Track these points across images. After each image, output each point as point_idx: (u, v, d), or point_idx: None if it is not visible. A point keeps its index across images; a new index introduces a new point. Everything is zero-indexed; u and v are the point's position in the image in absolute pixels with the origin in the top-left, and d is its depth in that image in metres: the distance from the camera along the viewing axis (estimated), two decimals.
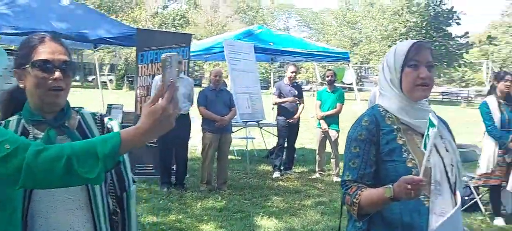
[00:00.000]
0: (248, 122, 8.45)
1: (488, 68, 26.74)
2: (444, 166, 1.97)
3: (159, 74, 7.17)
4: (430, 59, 2.00)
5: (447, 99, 42.49)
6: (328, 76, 8.31)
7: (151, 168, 7.71)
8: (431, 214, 1.90)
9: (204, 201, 6.48)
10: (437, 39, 8.81)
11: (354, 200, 1.92)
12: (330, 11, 70.59)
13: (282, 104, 8.31)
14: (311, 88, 42.88)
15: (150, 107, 1.38)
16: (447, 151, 2.01)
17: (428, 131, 1.80)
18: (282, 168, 8.44)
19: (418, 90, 1.97)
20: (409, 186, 1.72)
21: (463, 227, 2.00)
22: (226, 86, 8.92)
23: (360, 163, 1.98)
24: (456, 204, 1.94)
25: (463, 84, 54.30)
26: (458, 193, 1.98)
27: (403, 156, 1.94)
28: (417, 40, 2.03)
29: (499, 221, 5.73)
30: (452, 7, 9.05)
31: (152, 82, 7.23)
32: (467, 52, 9.19)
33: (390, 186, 1.80)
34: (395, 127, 1.99)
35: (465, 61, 9.19)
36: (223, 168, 7.30)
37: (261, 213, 5.91)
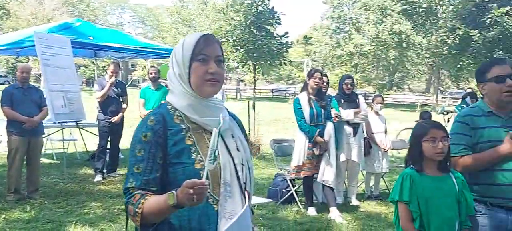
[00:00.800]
0: (64, 122, 7.76)
1: (308, 66, 29.12)
2: (235, 166, 1.87)
3: None
4: (219, 53, 1.89)
5: (277, 96, 45.18)
6: (151, 73, 8.04)
7: None
8: (220, 217, 1.79)
9: (9, 213, 5.73)
10: (260, 37, 9.17)
11: (137, 210, 1.72)
12: (165, 8, 69.97)
13: (104, 103, 7.79)
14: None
15: None
16: (238, 149, 1.92)
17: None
18: (104, 170, 7.94)
19: (207, 86, 1.84)
20: (191, 191, 1.58)
21: (252, 226, 1.94)
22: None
23: (144, 168, 1.79)
24: (245, 203, 1.86)
25: (290, 82, 58.34)
26: (247, 192, 1.91)
27: (192, 157, 1.80)
28: (205, 33, 1.90)
29: (311, 211, 6.09)
30: (273, 8, 9.49)
31: None
32: (287, 51, 9.74)
33: (174, 192, 1.65)
34: (184, 126, 1.84)
35: (285, 60, 9.75)
36: (34, 174, 6.56)
37: (74, 222, 5.42)
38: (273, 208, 6.33)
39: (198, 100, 1.85)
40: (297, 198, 6.47)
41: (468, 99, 9.44)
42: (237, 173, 1.86)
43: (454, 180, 2.74)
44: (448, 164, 2.76)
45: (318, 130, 5.88)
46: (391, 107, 34.50)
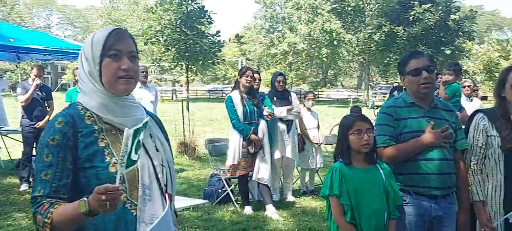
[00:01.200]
0: None
1: (242, 65, 29.25)
2: (154, 167, 1.78)
3: None
4: (132, 48, 1.79)
5: (214, 97, 44.98)
6: (76, 75, 7.70)
7: None
8: (139, 223, 1.70)
9: None
10: (191, 37, 9.02)
11: (46, 220, 1.59)
12: (95, 9, 67.88)
13: (28, 108, 7.37)
14: None
15: None
16: (157, 150, 1.82)
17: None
18: (31, 179, 7.51)
19: (121, 84, 1.74)
20: (103, 197, 1.48)
21: (175, 230, 1.86)
22: None
23: (53, 174, 1.66)
24: (166, 206, 1.76)
25: (226, 81, 58.25)
26: (168, 194, 1.82)
27: (106, 160, 1.69)
28: (116, 28, 1.80)
29: (247, 210, 6.05)
30: (203, 6, 9.39)
31: None
32: (219, 51, 9.69)
33: (85, 198, 1.53)
34: (96, 128, 1.73)
35: (218, 59, 9.69)
36: None
37: None
38: (209, 209, 6.24)
39: (111, 99, 1.74)
40: (233, 198, 6.41)
41: (395, 93, 9.75)
42: (156, 175, 1.77)
43: (381, 171, 2.78)
44: (375, 155, 2.80)
45: (253, 127, 5.86)
46: (325, 104, 35.32)
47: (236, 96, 5.91)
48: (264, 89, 7.56)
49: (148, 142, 1.80)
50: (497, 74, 3.19)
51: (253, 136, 5.83)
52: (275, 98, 6.62)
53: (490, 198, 2.92)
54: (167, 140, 1.93)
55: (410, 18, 28.95)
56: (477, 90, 9.62)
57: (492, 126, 2.93)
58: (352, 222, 2.71)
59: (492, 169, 2.92)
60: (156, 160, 1.79)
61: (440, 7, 29.26)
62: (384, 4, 32.45)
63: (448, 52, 28.15)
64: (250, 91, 6.01)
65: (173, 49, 9.83)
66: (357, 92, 46.46)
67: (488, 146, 2.94)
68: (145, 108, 1.91)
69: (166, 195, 1.80)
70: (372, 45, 32.41)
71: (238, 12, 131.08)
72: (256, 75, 6.35)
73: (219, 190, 6.59)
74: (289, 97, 6.74)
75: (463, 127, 3.09)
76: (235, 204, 6.33)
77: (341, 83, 62.50)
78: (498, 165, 2.90)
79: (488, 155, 2.94)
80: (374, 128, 2.84)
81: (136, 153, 1.55)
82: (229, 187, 6.44)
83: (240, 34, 12.98)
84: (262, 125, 5.98)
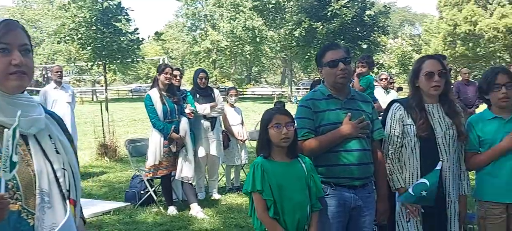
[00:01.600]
0: None
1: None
2: (54, 171, 1.61)
3: None
4: (25, 41, 1.60)
5: (137, 97, 43.80)
6: None
7: None
8: None
9: None
10: (108, 35, 8.65)
11: None
12: (6, 9, 63.89)
13: None
14: None
15: None
16: (57, 152, 1.65)
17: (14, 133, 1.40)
18: None
19: (12, 80, 1.55)
20: None
21: None
22: None
23: None
24: (67, 213, 1.60)
25: (149, 80, 57.02)
26: (72, 200, 1.65)
27: None
28: (5, 19, 1.61)
29: (171, 210, 5.89)
30: (120, 3, 9.02)
31: None
32: (138, 48, 9.40)
33: None
34: None
35: (138, 58, 9.37)
36: None
37: None
38: (131, 212, 6.01)
39: (1, 97, 1.55)
40: (156, 199, 6.22)
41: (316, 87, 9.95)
42: (57, 180, 1.60)
43: (303, 165, 2.76)
44: (295, 149, 2.77)
45: (173, 126, 5.69)
46: (249, 100, 35.59)
47: (155, 94, 5.71)
48: (188, 87, 7.40)
49: (47, 143, 1.63)
50: (410, 67, 3.35)
51: (174, 134, 5.67)
52: (198, 95, 6.50)
53: (408, 185, 2.99)
54: (71, 141, 1.76)
55: (328, 14, 29.70)
56: (393, 82, 10.06)
57: (407, 114, 3.00)
58: (276, 217, 2.67)
59: (409, 157, 2.99)
60: (56, 164, 1.61)
61: (356, 3, 30.30)
62: (303, 1, 33.07)
63: (365, 46, 29.16)
64: (169, 88, 5.84)
65: (89, 47, 9.39)
66: (281, 88, 47.17)
67: (404, 135, 3.00)
68: (45, 108, 1.73)
69: (68, 201, 1.63)
70: (293, 41, 32.91)
71: (160, 10, 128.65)
72: (176, 72, 6.18)
73: (142, 192, 6.37)
74: (212, 94, 6.64)
75: (380, 118, 3.15)
76: (158, 205, 6.15)
77: (265, 80, 63.29)
78: (414, 153, 2.97)
79: (404, 143, 3.01)
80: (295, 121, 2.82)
81: (16, 153, 1.39)
82: (152, 188, 6.24)
83: (161, 32, 12.61)
84: (184, 122, 5.83)
